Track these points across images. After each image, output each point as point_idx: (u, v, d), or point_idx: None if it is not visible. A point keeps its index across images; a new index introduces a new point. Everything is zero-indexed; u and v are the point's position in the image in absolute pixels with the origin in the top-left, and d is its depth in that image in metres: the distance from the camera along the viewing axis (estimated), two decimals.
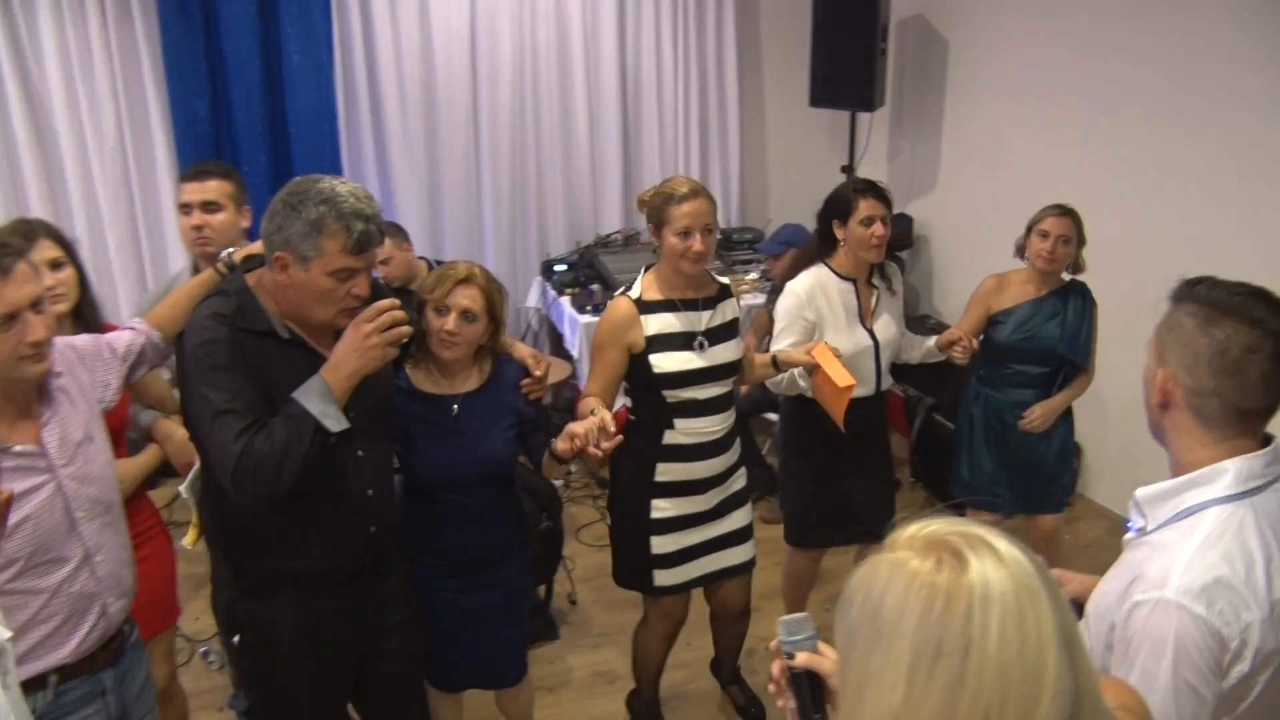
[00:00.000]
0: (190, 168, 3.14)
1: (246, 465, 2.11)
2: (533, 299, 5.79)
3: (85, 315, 2.66)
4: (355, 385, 2.17)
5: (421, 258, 4.22)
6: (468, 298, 2.56)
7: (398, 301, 2.21)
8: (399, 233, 4.35)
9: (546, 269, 5.67)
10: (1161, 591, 1.46)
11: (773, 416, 4.75)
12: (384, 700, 2.66)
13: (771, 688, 1.36)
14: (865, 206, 3.23)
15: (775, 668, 1.34)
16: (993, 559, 1.00)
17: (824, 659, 1.33)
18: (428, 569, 2.73)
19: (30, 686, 2.02)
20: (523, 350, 2.87)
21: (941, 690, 0.96)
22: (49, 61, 4.94)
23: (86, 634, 2.12)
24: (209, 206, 2.97)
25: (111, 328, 2.68)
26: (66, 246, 2.67)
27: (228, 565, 2.45)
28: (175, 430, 2.80)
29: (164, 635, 2.95)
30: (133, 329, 2.39)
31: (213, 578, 2.58)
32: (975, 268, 3.79)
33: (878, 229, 3.22)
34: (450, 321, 2.56)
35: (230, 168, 3.13)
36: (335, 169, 5.29)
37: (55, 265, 2.60)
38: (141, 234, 5.22)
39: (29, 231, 2.57)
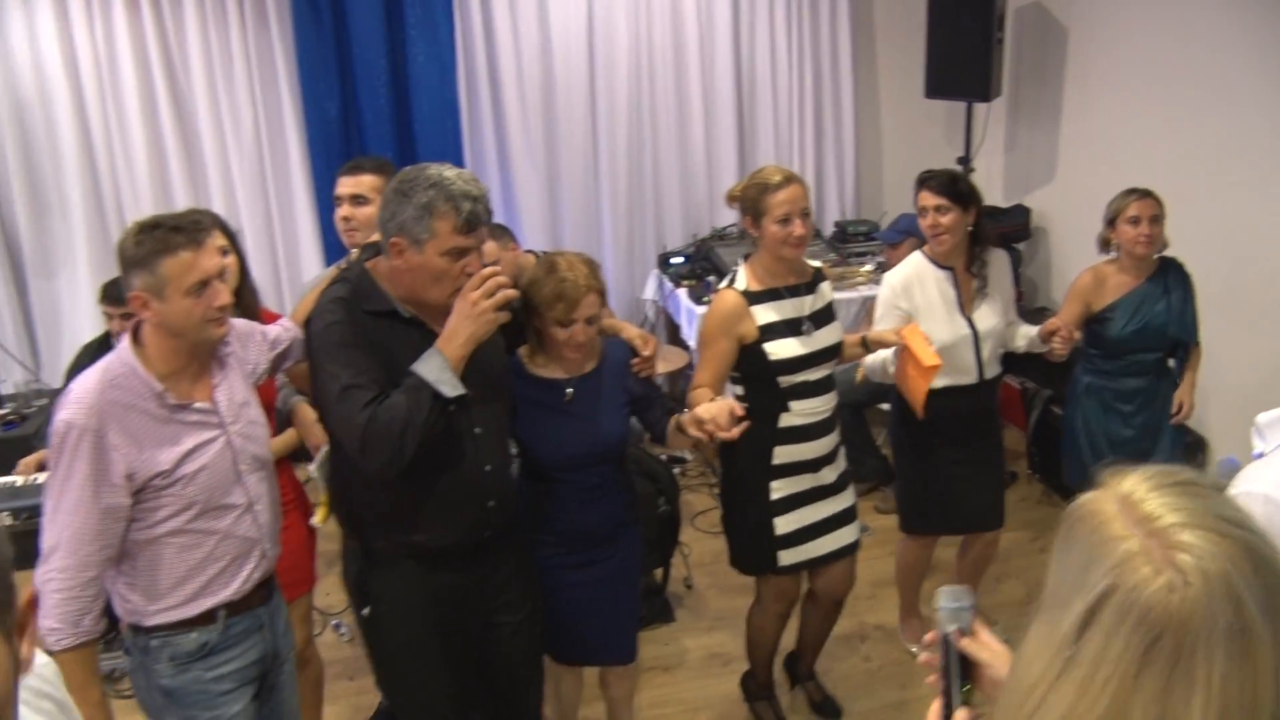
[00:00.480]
0: (347, 163, 3.30)
1: (372, 433, 2.25)
2: (649, 291, 5.88)
3: (244, 300, 2.86)
4: (470, 353, 2.29)
5: (530, 251, 4.35)
6: (589, 306, 2.63)
7: (498, 268, 2.32)
8: (504, 233, 4.48)
9: (663, 261, 5.76)
10: (1253, 486, 1.56)
11: (886, 407, 4.77)
12: (504, 672, 2.78)
13: (924, 657, 1.37)
14: (920, 198, 3.31)
15: (929, 637, 1.36)
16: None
17: (984, 647, 1.32)
18: (545, 547, 2.84)
19: (202, 620, 2.27)
20: (631, 331, 2.98)
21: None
22: (194, 65, 5.26)
23: (249, 574, 2.34)
24: (357, 200, 3.14)
25: (269, 313, 2.90)
26: (231, 236, 2.89)
27: (356, 540, 2.60)
28: (311, 414, 2.98)
29: (302, 599, 3.14)
30: (282, 326, 2.60)
31: (343, 553, 2.75)
32: (1093, 260, 3.76)
33: (930, 219, 3.29)
34: (578, 333, 2.65)
35: (385, 162, 3.27)
36: (458, 163, 5.46)
37: (221, 253, 2.79)
38: (275, 227, 5.51)
39: (199, 222, 2.78)
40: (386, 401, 2.27)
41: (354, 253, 2.66)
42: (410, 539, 2.49)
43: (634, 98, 5.71)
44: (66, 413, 2.11)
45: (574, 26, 5.54)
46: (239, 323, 2.45)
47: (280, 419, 3.10)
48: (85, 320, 5.33)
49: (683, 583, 4.35)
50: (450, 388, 2.27)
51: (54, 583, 2.11)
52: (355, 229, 3.10)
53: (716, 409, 2.57)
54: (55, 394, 5.17)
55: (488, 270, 2.30)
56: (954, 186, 3.31)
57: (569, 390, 2.76)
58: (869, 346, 3.24)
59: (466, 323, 2.28)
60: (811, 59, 5.95)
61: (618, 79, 5.67)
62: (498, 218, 4.23)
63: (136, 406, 2.15)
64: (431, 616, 2.56)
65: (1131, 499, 0.99)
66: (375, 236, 2.48)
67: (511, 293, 2.33)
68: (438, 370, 2.27)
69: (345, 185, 3.12)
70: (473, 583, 2.60)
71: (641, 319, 5.87)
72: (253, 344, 2.47)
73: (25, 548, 4.28)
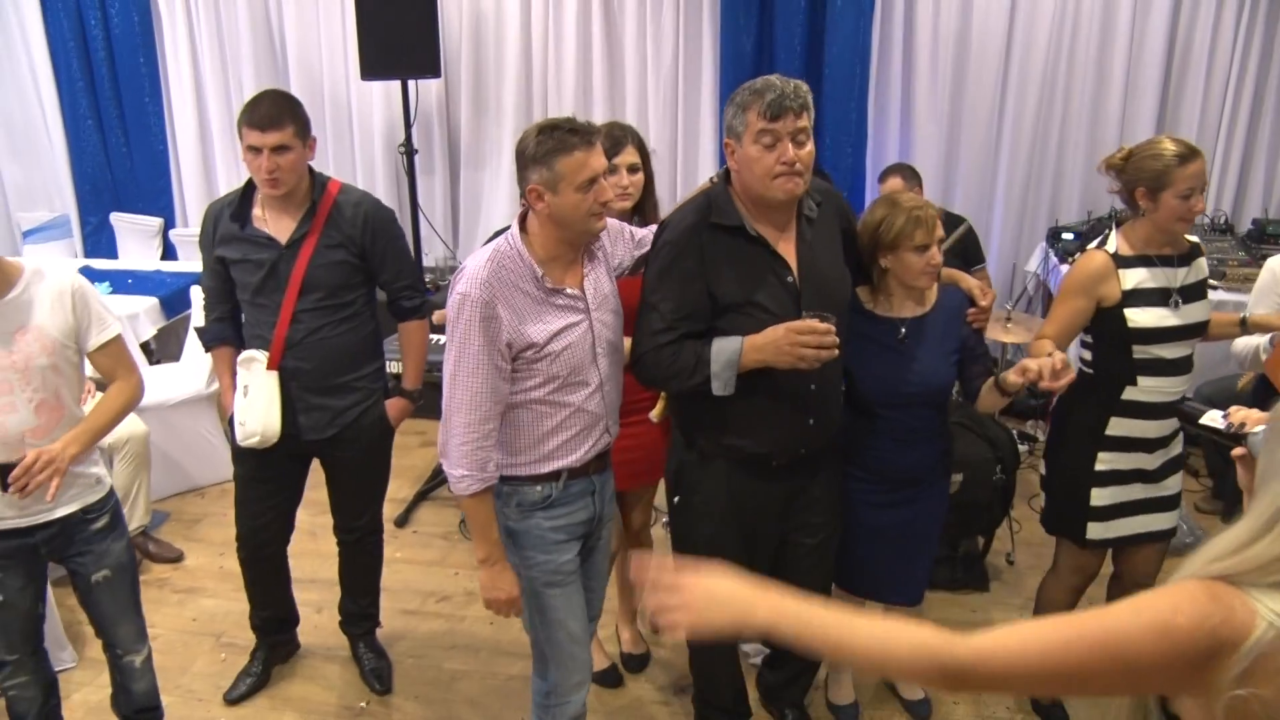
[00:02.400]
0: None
1: (648, 362, 2.57)
2: (1033, 264, 5.69)
3: (645, 212, 3.12)
4: (758, 366, 2.48)
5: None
6: (940, 229, 2.71)
7: (833, 329, 2.43)
8: (913, 176, 4.54)
9: (1053, 235, 5.55)
10: None
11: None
12: (795, 587, 2.88)
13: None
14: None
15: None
16: None
17: None
18: (855, 480, 2.91)
19: (547, 478, 2.54)
20: (969, 281, 2.95)
21: None
22: None
23: (591, 446, 2.58)
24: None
25: None
26: (645, 155, 3.13)
27: (681, 434, 2.79)
28: None
29: (645, 488, 3.41)
30: (651, 229, 2.78)
31: (669, 444, 2.95)
32: None
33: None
34: (935, 255, 2.70)
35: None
36: (861, 110, 5.57)
37: (632, 169, 3.05)
38: (679, 148, 5.85)
39: (621, 136, 3.05)
40: (671, 347, 2.52)
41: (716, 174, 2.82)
42: (729, 442, 2.66)
43: (1050, 64, 5.49)
44: (462, 285, 2.38)
45: None
46: (611, 222, 2.67)
47: None
48: (500, 209, 5.96)
49: (1005, 556, 4.25)
50: (721, 386, 2.50)
51: (459, 436, 2.41)
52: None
53: (1043, 362, 2.53)
54: None
55: (825, 327, 2.42)
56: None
57: (903, 330, 2.80)
58: (1248, 328, 3.05)
59: (773, 350, 2.46)
60: (1262, 35, 5.44)
61: (1036, 43, 5.47)
62: None
63: (518, 286, 2.39)
64: (734, 517, 2.73)
65: None
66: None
67: (829, 355, 2.45)
68: (724, 365, 2.49)
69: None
70: (779, 495, 2.74)
71: (1020, 290, 5.70)
72: (621, 242, 2.70)
73: (432, 395, 4.92)
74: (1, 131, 6.83)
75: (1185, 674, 1.16)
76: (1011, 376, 2.63)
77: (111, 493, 2.81)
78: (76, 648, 3.66)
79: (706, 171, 5.74)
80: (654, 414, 3.12)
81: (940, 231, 2.71)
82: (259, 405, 3.06)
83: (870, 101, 5.60)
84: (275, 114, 2.88)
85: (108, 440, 4.12)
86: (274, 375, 3.07)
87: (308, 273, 3.02)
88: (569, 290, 2.45)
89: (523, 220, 2.47)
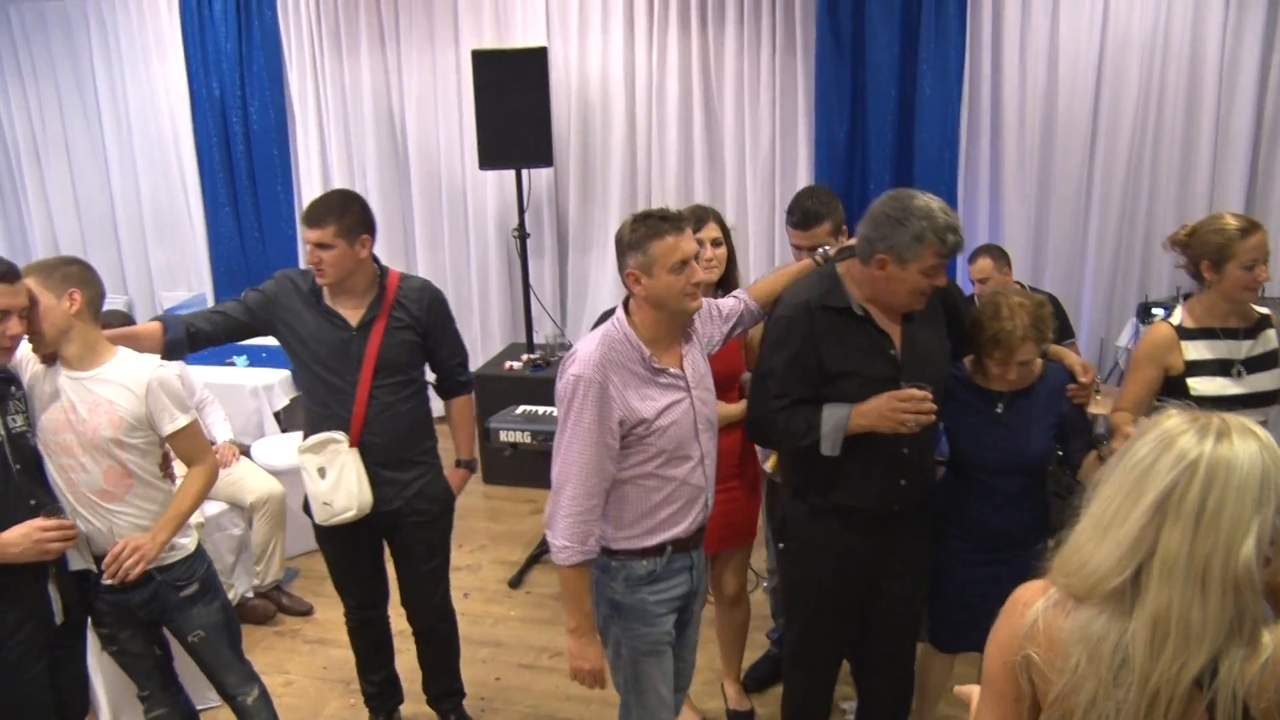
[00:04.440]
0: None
1: (759, 425, 2.87)
2: (1124, 339, 5.80)
3: (729, 285, 3.38)
4: (863, 431, 2.71)
5: (1018, 282, 4.56)
6: (1025, 353, 2.87)
7: (930, 396, 2.67)
8: (1002, 256, 4.75)
9: (1144, 310, 5.66)
10: None
11: None
12: (879, 638, 3.10)
13: None
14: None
15: None
16: (1255, 442, 1.40)
17: None
18: (951, 539, 3.08)
19: (653, 551, 2.72)
20: (1072, 359, 3.15)
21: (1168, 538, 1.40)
22: (728, 84, 6.07)
23: (694, 519, 2.77)
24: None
25: None
26: (725, 230, 3.42)
27: (787, 487, 3.05)
28: None
29: (738, 550, 3.64)
30: (735, 297, 3.01)
31: (778, 496, 3.18)
32: None
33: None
34: (1010, 372, 2.92)
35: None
36: (950, 193, 5.77)
37: (715, 243, 3.35)
38: (776, 231, 6.12)
39: (704, 214, 3.37)
40: (785, 413, 2.77)
41: (829, 249, 3.04)
42: (831, 496, 2.90)
43: (1136, 141, 5.65)
44: (576, 368, 2.54)
45: (1084, 65, 5.59)
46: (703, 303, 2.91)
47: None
48: (606, 291, 6.31)
49: None
50: (829, 447, 2.74)
51: (565, 509, 2.56)
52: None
53: (1132, 431, 2.71)
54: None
55: (924, 395, 2.66)
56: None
57: (1000, 404, 2.99)
58: None
59: (876, 417, 2.70)
60: None
61: (1121, 122, 5.64)
62: None
63: (627, 366, 2.57)
64: (832, 564, 2.95)
65: None
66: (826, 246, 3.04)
67: (926, 420, 2.69)
68: (834, 428, 2.73)
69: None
70: (872, 547, 2.94)
71: (1110, 366, 5.82)
72: (711, 321, 2.91)
73: (537, 465, 5.16)
74: (151, 217, 7.45)
75: None
76: (1116, 444, 2.79)
77: (198, 559, 3.08)
78: None
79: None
80: (768, 465, 3.39)
81: (1024, 354, 2.87)
82: (349, 482, 3.24)
83: (960, 184, 5.82)
84: (321, 214, 3.13)
85: (250, 499, 4.51)
86: (356, 451, 3.25)
87: (380, 352, 3.23)
88: (672, 370, 2.63)
89: (625, 305, 2.66)
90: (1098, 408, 4.67)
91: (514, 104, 5.73)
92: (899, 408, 2.66)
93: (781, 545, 3.10)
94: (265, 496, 4.55)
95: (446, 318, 3.42)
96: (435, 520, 3.48)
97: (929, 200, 2.65)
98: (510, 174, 6.13)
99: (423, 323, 3.31)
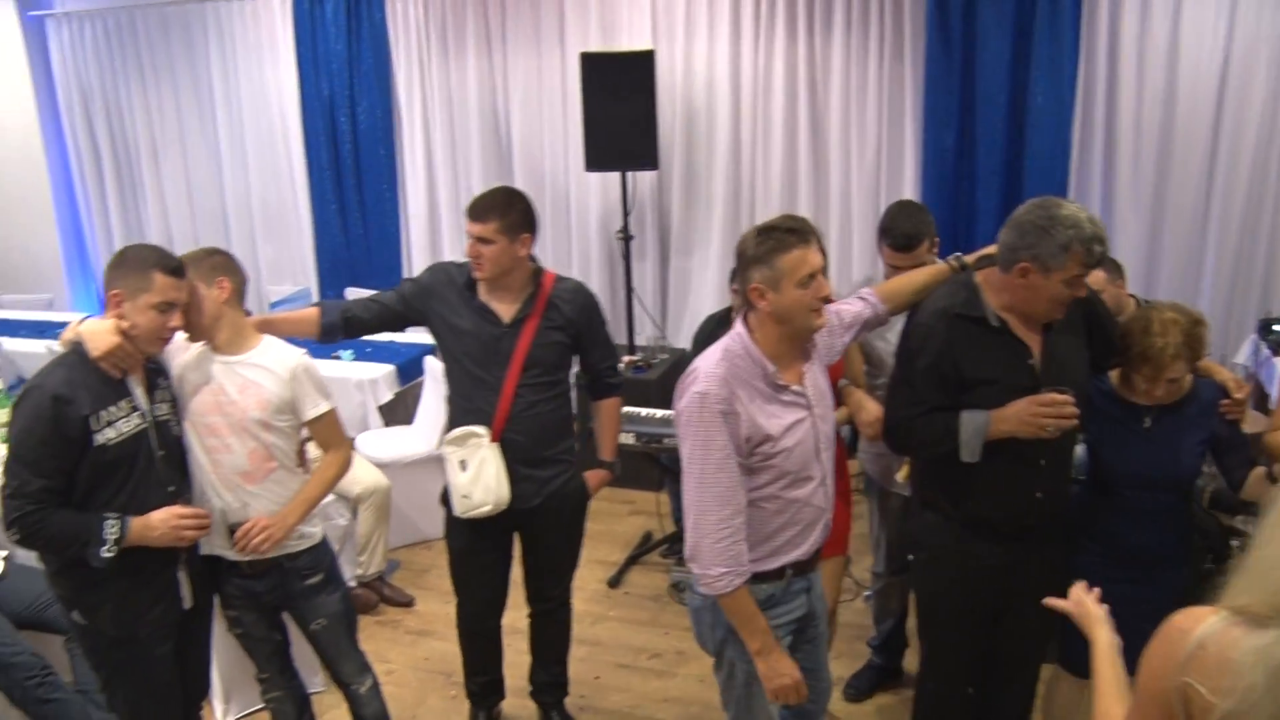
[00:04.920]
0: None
1: (896, 432, 2.87)
2: (1243, 355, 5.62)
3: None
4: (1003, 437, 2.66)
5: (1131, 295, 4.44)
6: (1175, 371, 2.76)
7: (1072, 400, 2.60)
8: (1116, 269, 4.62)
9: (1264, 327, 5.49)
10: None
11: None
12: (1005, 655, 3.03)
13: None
14: None
15: None
16: None
17: None
18: (1088, 555, 2.96)
19: (773, 575, 2.63)
20: (1225, 374, 3.02)
21: None
22: (834, 90, 6.02)
23: (814, 541, 2.70)
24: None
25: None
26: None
27: (919, 497, 2.99)
28: (866, 403, 3.34)
29: (834, 560, 3.56)
30: (862, 299, 2.93)
31: (909, 505, 3.13)
32: None
33: None
34: (1156, 389, 2.82)
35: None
36: None
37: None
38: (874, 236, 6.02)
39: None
40: (922, 421, 2.75)
41: (966, 257, 2.97)
42: (965, 506, 2.83)
43: (1261, 152, 5.46)
44: (700, 385, 2.46)
45: (1205, 73, 5.43)
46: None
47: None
48: (708, 294, 6.31)
49: None
50: (969, 454, 2.68)
51: (712, 535, 2.46)
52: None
53: None
54: (676, 351, 6.16)
55: (1066, 399, 2.60)
56: None
57: (1147, 419, 2.89)
58: None
59: (1016, 422, 2.64)
60: None
61: (1245, 130, 5.46)
62: None
63: (750, 383, 2.49)
64: (963, 575, 2.89)
65: None
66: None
67: (1068, 424, 2.63)
68: (973, 434, 2.68)
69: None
70: (1004, 559, 2.86)
71: None
72: (831, 331, 2.81)
73: (637, 466, 5.19)
74: (260, 214, 7.65)
75: None
76: None
77: (323, 549, 3.17)
78: (325, 674, 4.06)
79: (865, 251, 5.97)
80: (899, 476, 3.35)
81: (1174, 372, 2.77)
82: (488, 477, 3.27)
83: (1070, 192, 5.69)
84: (485, 209, 3.18)
85: (355, 490, 4.59)
86: (497, 447, 3.28)
87: (530, 351, 3.25)
88: (794, 388, 2.56)
89: (745, 319, 2.58)
90: (1249, 426, 4.55)
91: (621, 106, 5.75)
92: (1040, 412, 2.61)
93: (911, 557, 3.05)
94: (371, 488, 4.63)
95: (599, 321, 3.45)
96: (570, 519, 3.51)
97: (1076, 210, 2.59)
98: (614, 176, 6.15)
99: (575, 324, 3.33)
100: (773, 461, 2.52)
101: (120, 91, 7.94)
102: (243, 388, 2.93)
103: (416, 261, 7.17)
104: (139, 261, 2.73)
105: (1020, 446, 2.68)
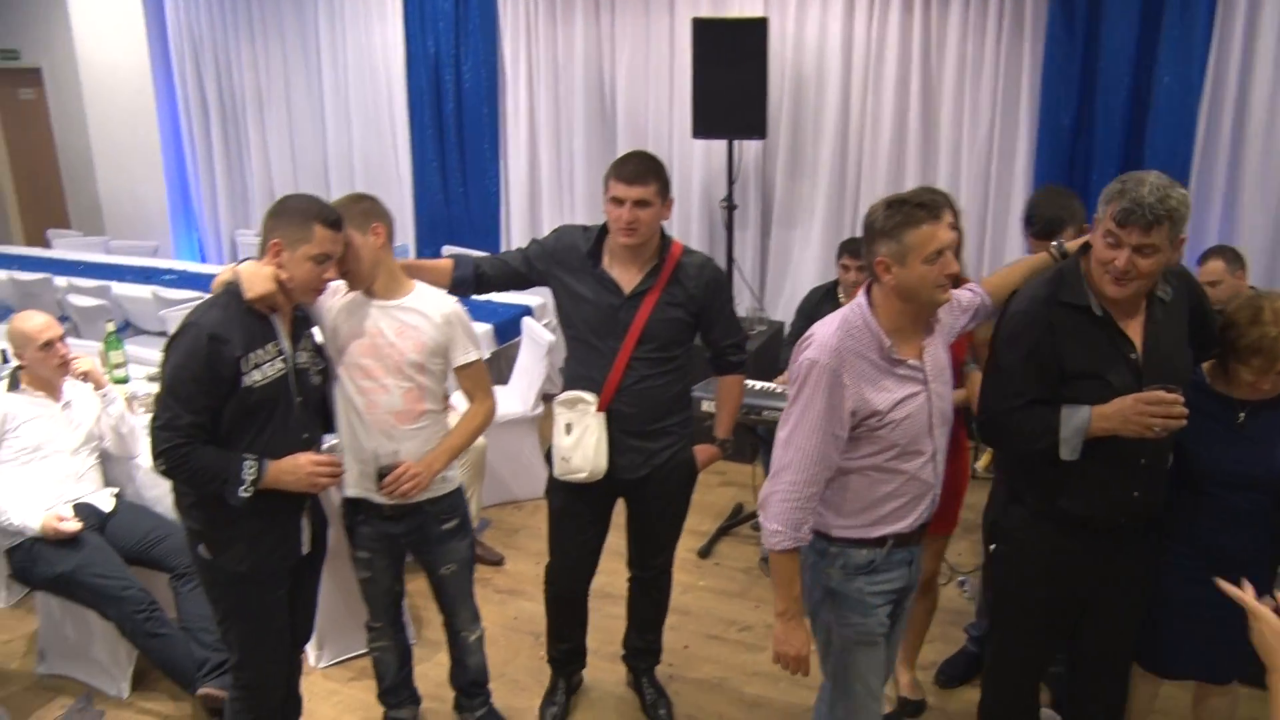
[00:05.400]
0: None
1: (992, 423, 2.72)
2: None
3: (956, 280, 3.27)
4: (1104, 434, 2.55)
5: (1252, 287, 4.28)
6: None
7: (1181, 399, 2.47)
8: (1236, 259, 4.46)
9: None
10: None
11: None
12: (1091, 656, 2.93)
13: None
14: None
15: None
16: None
17: None
18: (1176, 555, 2.86)
19: (874, 543, 2.62)
20: None
21: None
22: (948, 65, 5.88)
23: (919, 515, 2.65)
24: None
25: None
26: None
27: (1007, 487, 2.89)
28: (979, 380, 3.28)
29: (939, 538, 3.54)
30: (972, 290, 2.85)
31: (991, 496, 3.05)
32: None
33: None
34: (1262, 383, 2.69)
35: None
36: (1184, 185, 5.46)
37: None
38: (989, 217, 5.95)
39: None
40: (1023, 410, 2.63)
41: (1064, 243, 2.87)
42: (1055, 502, 2.73)
43: None
44: (812, 352, 2.45)
45: None
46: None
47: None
48: (810, 267, 6.23)
49: None
50: (1069, 451, 2.57)
51: (781, 493, 2.48)
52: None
53: None
54: (774, 323, 6.10)
55: (1171, 397, 2.47)
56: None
57: (1241, 415, 2.77)
58: None
59: (1123, 421, 2.52)
60: None
61: None
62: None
63: (864, 355, 2.46)
64: (1047, 573, 2.79)
65: None
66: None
67: (1176, 425, 2.51)
68: (1074, 431, 2.56)
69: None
70: (1091, 557, 2.76)
71: None
72: (951, 312, 2.76)
73: (737, 437, 5.10)
74: (360, 169, 7.73)
75: None
76: None
77: (460, 495, 3.24)
78: (416, 629, 4.11)
79: (1015, 243, 5.79)
80: (980, 464, 3.25)
81: None
82: (588, 445, 3.24)
83: (1192, 180, 5.49)
84: (642, 171, 3.11)
85: None
86: (602, 417, 3.24)
87: (647, 324, 3.18)
88: (911, 362, 2.52)
89: (868, 290, 2.54)
90: None
91: (731, 74, 5.68)
92: (1146, 410, 2.49)
93: (992, 547, 2.96)
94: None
95: (725, 298, 3.38)
96: (677, 491, 3.47)
97: (1151, 173, 2.46)
98: (719, 144, 6.09)
99: (697, 301, 3.25)
100: (880, 433, 2.50)
101: (230, 44, 8.07)
102: (400, 331, 2.99)
103: (515, 222, 7.19)
104: (299, 212, 2.76)
105: (1120, 444, 2.58)
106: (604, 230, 3.24)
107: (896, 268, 2.41)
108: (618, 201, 3.10)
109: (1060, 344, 2.61)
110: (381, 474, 3.00)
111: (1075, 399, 2.60)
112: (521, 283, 3.38)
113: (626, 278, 3.21)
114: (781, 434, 2.51)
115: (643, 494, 3.41)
